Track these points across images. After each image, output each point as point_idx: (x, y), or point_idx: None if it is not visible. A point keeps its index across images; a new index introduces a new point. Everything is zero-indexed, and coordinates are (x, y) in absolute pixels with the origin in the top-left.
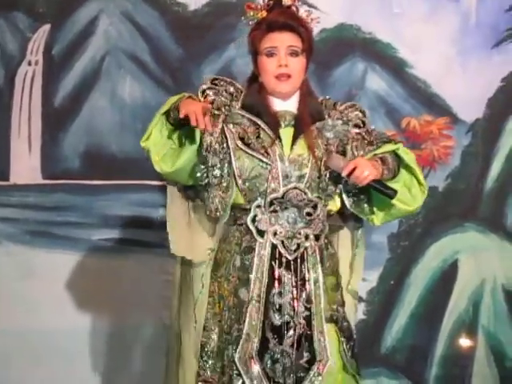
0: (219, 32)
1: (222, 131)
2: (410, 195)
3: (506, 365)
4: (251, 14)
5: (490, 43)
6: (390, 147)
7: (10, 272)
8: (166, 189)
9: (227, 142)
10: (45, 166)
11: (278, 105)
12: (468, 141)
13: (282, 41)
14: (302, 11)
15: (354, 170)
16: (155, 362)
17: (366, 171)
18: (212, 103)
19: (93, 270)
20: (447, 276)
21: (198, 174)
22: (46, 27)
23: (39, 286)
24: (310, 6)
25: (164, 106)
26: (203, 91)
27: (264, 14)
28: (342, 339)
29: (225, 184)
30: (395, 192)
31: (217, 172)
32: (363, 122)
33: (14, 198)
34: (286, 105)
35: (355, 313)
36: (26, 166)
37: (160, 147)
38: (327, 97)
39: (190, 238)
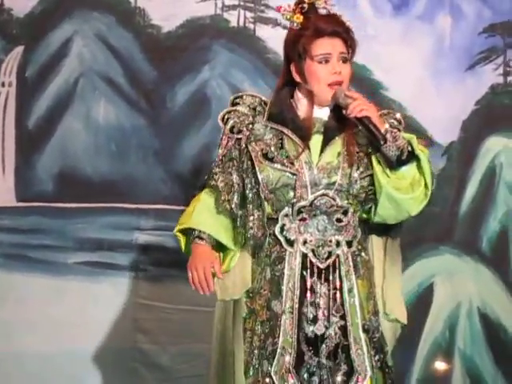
0: (193, 54)
1: (247, 150)
2: (412, 193)
3: None
4: (287, 16)
5: (463, 66)
6: (407, 136)
7: None
8: (142, 212)
9: (252, 160)
10: (19, 188)
11: (314, 112)
12: (443, 164)
13: (334, 47)
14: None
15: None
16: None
17: (365, 106)
18: (232, 128)
19: (67, 293)
20: (423, 299)
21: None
22: (20, 49)
23: (13, 309)
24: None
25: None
26: (223, 116)
27: (300, 17)
28: (371, 350)
29: (257, 203)
30: (385, 140)
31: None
32: (398, 130)
33: None
34: (320, 112)
35: (395, 336)
36: None
37: None
38: None
39: (232, 278)
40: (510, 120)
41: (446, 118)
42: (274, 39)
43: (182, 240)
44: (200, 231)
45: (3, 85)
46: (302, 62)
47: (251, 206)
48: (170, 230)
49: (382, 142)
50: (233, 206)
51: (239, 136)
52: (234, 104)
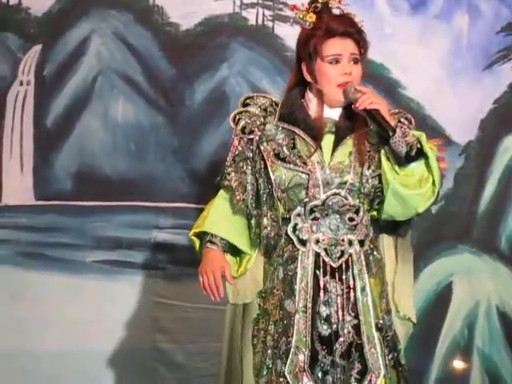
0: (211, 52)
1: (259, 150)
2: (419, 189)
3: None
4: (300, 16)
5: (481, 65)
6: (416, 133)
7: (2, 293)
8: (161, 210)
9: (264, 160)
10: (37, 186)
11: (325, 112)
12: (461, 163)
13: (345, 48)
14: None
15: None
16: (149, 383)
17: (375, 99)
18: (244, 129)
19: (85, 292)
20: (441, 298)
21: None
22: (38, 48)
23: (31, 307)
24: None
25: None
26: (234, 117)
27: (312, 16)
28: (385, 349)
29: (271, 202)
30: (394, 131)
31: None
32: (408, 129)
33: (6, 219)
34: (331, 112)
35: (407, 335)
36: (17, 187)
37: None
38: None
39: (244, 281)
40: None
41: (464, 117)
42: (293, 37)
43: (197, 244)
44: (212, 235)
45: (21, 83)
46: (312, 62)
47: (265, 207)
48: (189, 229)
49: (390, 134)
50: (248, 205)
51: (251, 136)
52: (244, 105)
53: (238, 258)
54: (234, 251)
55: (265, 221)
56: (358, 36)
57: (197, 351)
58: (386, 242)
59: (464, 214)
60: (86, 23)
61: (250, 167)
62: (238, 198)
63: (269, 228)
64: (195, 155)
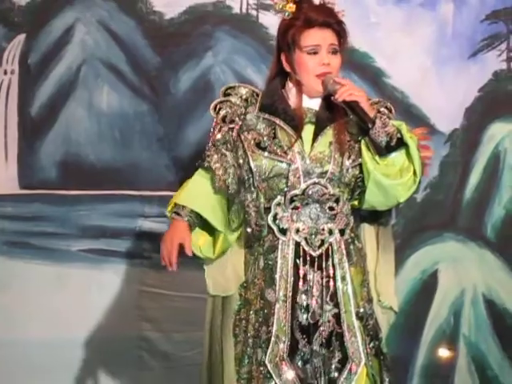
0: (196, 40)
1: (239, 140)
2: (400, 179)
3: (487, 374)
4: (280, 6)
5: (466, 53)
6: (396, 123)
7: None
8: (146, 199)
9: (244, 149)
10: (21, 175)
11: (303, 102)
12: (446, 151)
13: (324, 38)
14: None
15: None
16: (133, 373)
17: (354, 91)
18: (224, 118)
19: (70, 281)
20: (427, 286)
21: (236, 213)
22: (22, 37)
23: (16, 296)
24: None
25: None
26: (215, 106)
27: (292, 6)
28: (366, 338)
29: (254, 191)
30: (374, 123)
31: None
32: (388, 118)
33: None
34: (311, 102)
35: (388, 324)
36: (2, 176)
37: (194, 236)
38: None
39: (225, 273)
40: None
41: (449, 105)
42: (277, 26)
43: None
44: (182, 207)
45: (5, 72)
46: (291, 53)
47: (248, 196)
48: None
49: (369, 126)
50: (229, 185)
51: (231, 125)
52: (225, 95)
53: (213, 238)
54: (211, 231)
55: (248, 210)
56: (337, 26)
57: (183, 340)
58: (368, 231)
59: (449, 201)
60: (70, 12)
61: (230, 152)
62: (219, 178)
63: (253, 218)
64: (180, 143)
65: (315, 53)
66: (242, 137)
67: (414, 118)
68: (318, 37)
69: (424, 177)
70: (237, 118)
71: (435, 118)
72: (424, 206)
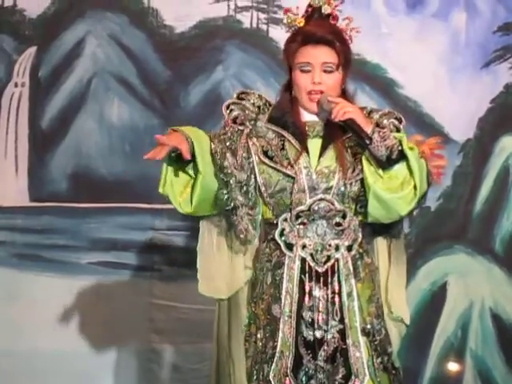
0: (207, 54)
1: (247, 145)
2: (400, 192)
3: None
4: (289, 20)
5: (479, 63)
6: (398, 135)
7: None
8: (156, 212)
9: (251, 156)
10: (32, 188)
11: (308, 116)
12: (459, 161)
13: (316, 57)
14: (341, 20)
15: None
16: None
17: (349, 108)
18: (235, 119)
19: (81, 293)
20: (436, 298)
21: (224, 198)
22: (32, 49)
23: (26, 309)
24: None
25: None
26: (228, 106)
27: (301, 21)
28: (372, 353)
29: (252, 200)
30: (370, 139)
31: (244, 188)
32: (397, 129)
33: (1, 221)
34: (316, 116)
35: (400, 337)
36: (12, 189)
37: (179, 187)
38: (363, 106)
39: (224, 275)
40: None
41: (462, 115)
42: None
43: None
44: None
45: (16, 85)
46: (291, 68)
47: (246, 203)
48: (185, 230)
49: (367, 142)
50: (225, 171)
51: (241, 128)
52: (239, 98)
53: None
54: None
55: (243, 219)
56: (334, 43)
57: (192, 352)
58: (380, 244)
59: (461, 212)
60: (81, 25)
61: (231, 151)
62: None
63: (244, 225)
64: None
65: (308, 71)
66: (251, 143)
67: (428, 127)
68: (310, 55)
69: (438, 186)
70: (247, 122)
71: (449, 127)
72: (437, 216)
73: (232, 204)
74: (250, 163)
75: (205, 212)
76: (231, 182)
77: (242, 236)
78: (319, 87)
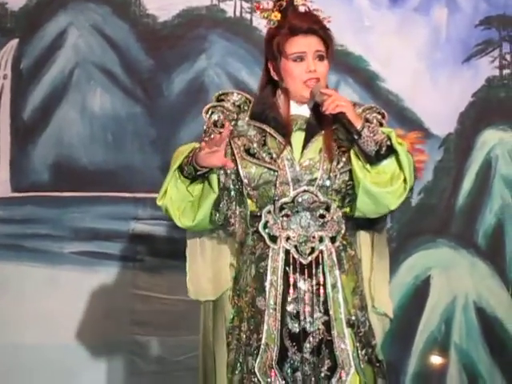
0: (190, 43)
1: (229, 146)
2: (390, 187)
3: (478, 382)
4: (264, 15)
5: (460, 58)
6: (386, 130)
7: None
8: (139, 201)
9: (234, 155)
10: (14, 178)
11: (293, 109)
12: (440, 156)
13: (309, 45)
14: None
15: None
16: (125, 377)
17: (341, 102)
18: (216, 122)
19: (63, 283)
20: (420, 292)
21: (216, 216)
22: (14, 42)
23: (8, 299)
24: None
25: (175, 160)
26: (207, 110)
27: (277, 15)
28: (357, 345)
29: (238, 199)
30: (360, 134)
31: (231, 193)
32: (381, 124)
33: None
34: (300, 109)
35: (383, 331)
36: None
37: (179, 202)
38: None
39: (209, 277)
40: (506, 113)
41: (443, 109)
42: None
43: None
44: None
45: None
46: (277, 61)
47: (234, 203)
48: (168, 220)
49: (356, 137)
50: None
51: (221, 130)
52: (218, 100)
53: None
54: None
55: (233, 217)
56: (322, 33)
57: (175, 344)
58: (363, 238)
59: (443, 207)
60: (63, 16)
61: None
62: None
63: (237, 225)
64: (173, 146)
65: (301, 60)
66: (232, 143)
67: (409, 121)
68: (302, 44)
69: (418, 181)
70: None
71: (429, 121)
72: (418, 211)
73: (224, 221)
74: (233, 160)
75: (204, 226)
76: (224, 195)
77: (237, 239)
78: (315, 75)
